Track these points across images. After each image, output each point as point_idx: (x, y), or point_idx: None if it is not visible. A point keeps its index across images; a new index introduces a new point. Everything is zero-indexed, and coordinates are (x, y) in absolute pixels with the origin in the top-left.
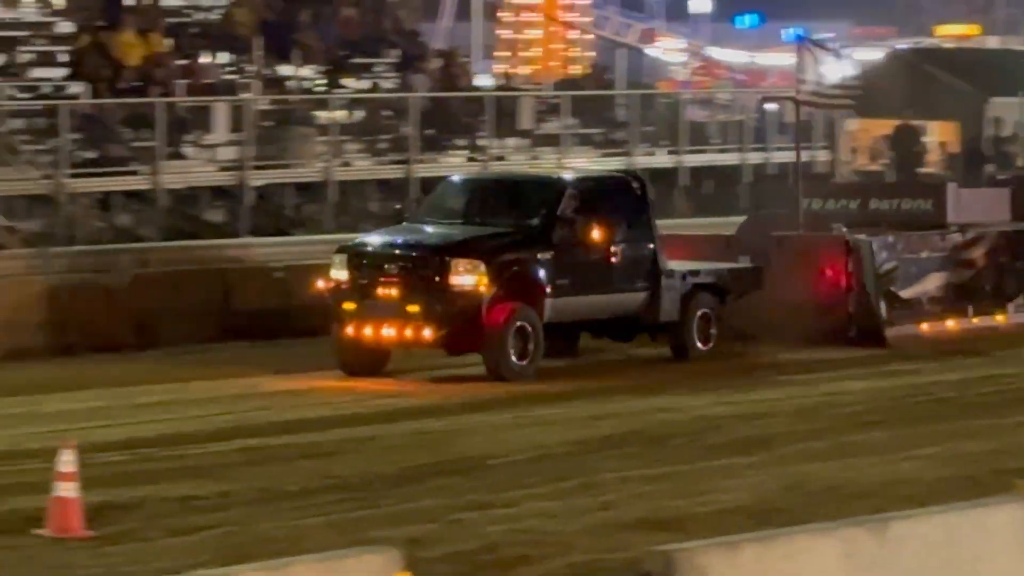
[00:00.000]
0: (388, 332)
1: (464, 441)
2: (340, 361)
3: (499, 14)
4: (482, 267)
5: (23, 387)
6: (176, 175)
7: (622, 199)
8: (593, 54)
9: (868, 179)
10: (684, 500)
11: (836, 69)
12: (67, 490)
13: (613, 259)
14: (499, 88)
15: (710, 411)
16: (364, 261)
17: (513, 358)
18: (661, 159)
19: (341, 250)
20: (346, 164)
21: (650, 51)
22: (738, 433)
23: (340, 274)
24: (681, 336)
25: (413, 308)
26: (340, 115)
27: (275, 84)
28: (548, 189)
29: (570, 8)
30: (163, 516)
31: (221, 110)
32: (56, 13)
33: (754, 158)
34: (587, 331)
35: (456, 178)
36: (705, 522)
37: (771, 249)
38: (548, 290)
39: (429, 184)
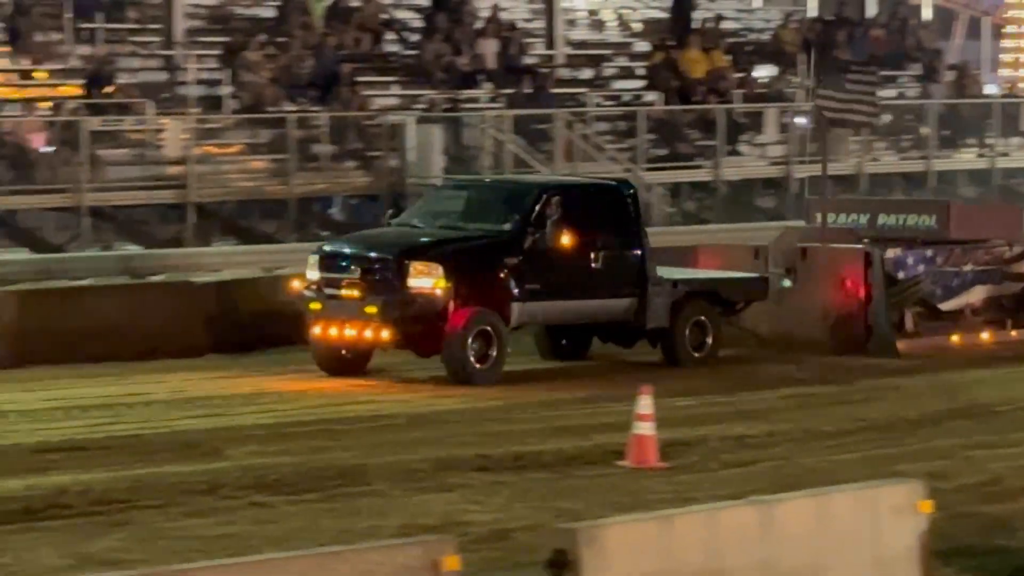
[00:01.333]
0: (350, 332)
1: (975, 391)
2: (315, 359)
3: (1004, 30)
4: (440, 270)
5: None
6: (733, 169)
7: (608, 206)
8: None
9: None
10: None
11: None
12: (645, 429)
13: (594, 265)
14: (1004, 95)
15: None
16: (331, 262)
17: (474, 361)
18: None
19: (316, 251)
20: (875, 159)
21: None
22: None
23: (312, 275)
24: (672, 343)
25: (371, 309)
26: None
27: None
28: (524, 195)
29: None
30: (722, 451)
31: (771, 115)
32: (634, 35)
33: None
34: (583, 336)
35: (443, 183)
36: None
37: (796, 260)
38: (515, 294)
39: (946, 176)
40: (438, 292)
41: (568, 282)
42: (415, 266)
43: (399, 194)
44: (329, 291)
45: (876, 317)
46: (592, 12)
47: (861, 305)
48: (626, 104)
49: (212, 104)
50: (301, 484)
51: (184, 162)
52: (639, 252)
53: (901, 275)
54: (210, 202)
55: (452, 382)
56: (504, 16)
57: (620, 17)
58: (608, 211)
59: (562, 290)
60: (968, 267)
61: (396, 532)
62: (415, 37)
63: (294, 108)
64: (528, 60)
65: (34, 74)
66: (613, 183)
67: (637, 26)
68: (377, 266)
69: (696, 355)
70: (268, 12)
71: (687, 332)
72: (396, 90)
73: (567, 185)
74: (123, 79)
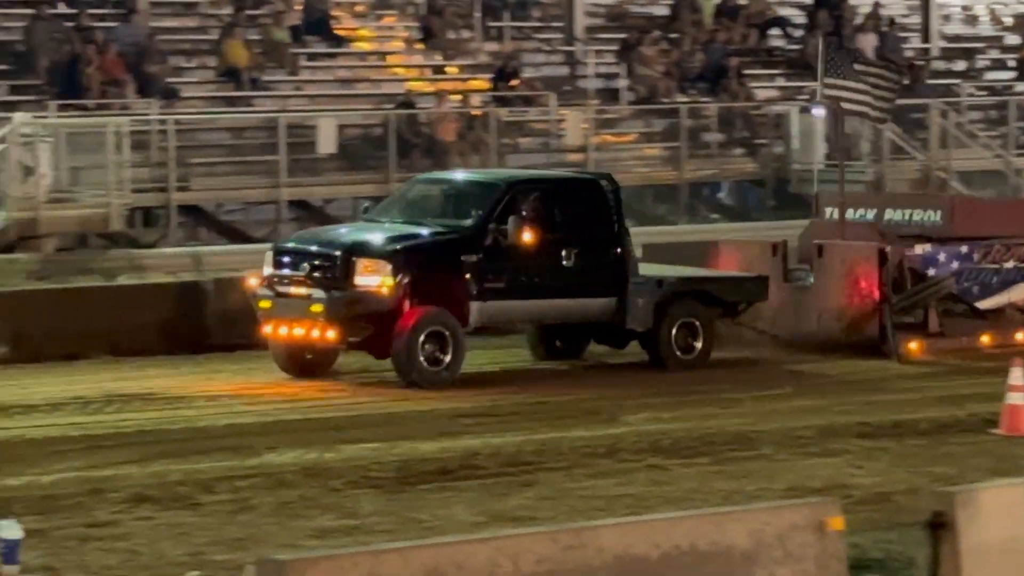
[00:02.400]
0: (298, 332)
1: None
2: (274, 359)
3: None
4: (387, 267)
5: None
6: None
7: (584, 202)
8: None
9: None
10: None
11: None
12: (1017, 399)
13: (566, 263)
14: None
15: None
16: (283, 259)
17: (424, 363)
18: None
19: (272, 248)
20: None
21: None
22: None
23: (267, 271)
24: (656, 344)
25: (316, 308)
26: None
27: None
28: (488, 191)
29: None
30: None
31: None
32: (1005, 28)
33: None
34: (577, 337)
35: (417, 177)
36: None
37: (812, 257)
38: (474, 293)
39: None
40: (385, 291)
41: (536, 281)
42: (362, 263)
43: (782, 179)
44: (279, 289)
45: (883, 318)
46: (966, 7)
47: (876, 305)
48: (998, 93)
49: (610, 96)
50: (694, 448)
51: (584, 150)
52: (619, 250)
53: (932, 272)
54: None
55: (404, 384)
56: (883, 12)
57: (992, 12)
58: (585, 207)
59: (528, 289)
60: (1011, 264)
61: (783, 494)
62: (798, 32)
63: (685, 99)
64: (905, 53)
65: (446, 69)
66: (592, 178)
67: (1008, 20)
68: (325, 263)
69: (684, 357)
70: (662, 10)
71: (673, 333)
72: (780, 82)
73: (538, 180)
74: (528, 73)
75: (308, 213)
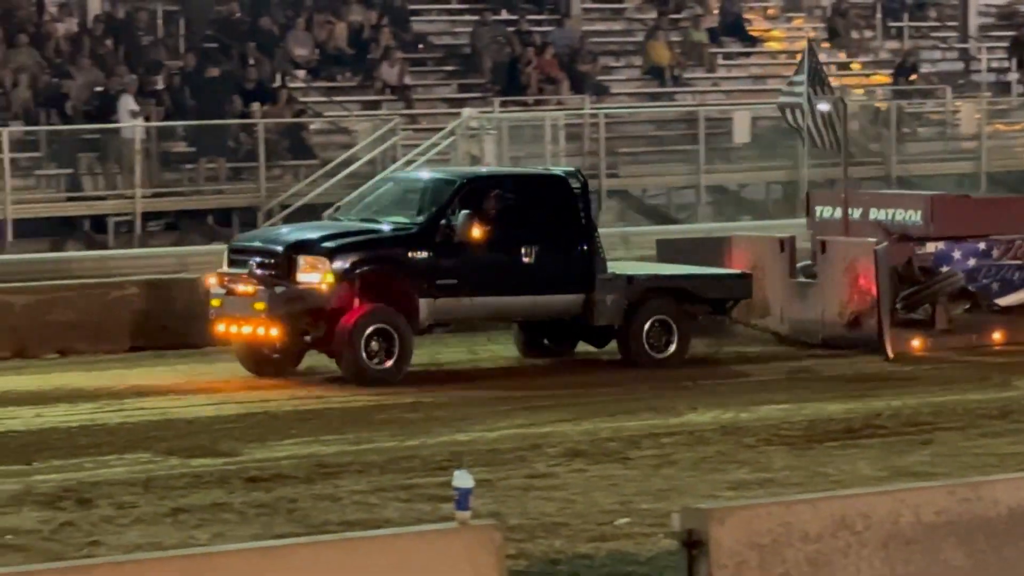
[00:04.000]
0: (245, 330)
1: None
2: (237, 358)
3: None
4: (327, 264)
5: None
6: None
7: (546, 198)
8: None
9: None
10: None
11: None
12: None
13: (526, 259)
14: None
15: None
16: (236, 257)
17: (367, 360)
18: None
19: (228, 246)
20: None
21: None
22: None
23: (223, 269)
24: (627, 342)
25: (259, 306)
26: None
27: None
28: (443, 188)
29: None
30: None
31: None
32: None
33: None
34: (564, 334)
35: (380, 177)
36: None
37: (816, 254)
38: (424, 290)
39: None
40: (324, 287)
41: (492, 277)
42: (304, 260)
43: None
44: (230, 287)
45: (879, 316)
46: None
47: (875, 302)
48: None
49: (1001, 89)
50: None
51: (977, 138)
52: (585, 246)
53: (945, 270)
54: (999, 171)
55: (351, 382)
56: None
57: None
58: (549, 203)
59: (484, 286)
60: None
61: None
62: None
63: None
64: None
65: (851, 66)
66: (558, 174)
67: None
68: (269, 260)
69: (656, 356)
70: None
71: (645, 331)
72: None
73: (497, 176)
74: (925, 69)
75: (725, 197)
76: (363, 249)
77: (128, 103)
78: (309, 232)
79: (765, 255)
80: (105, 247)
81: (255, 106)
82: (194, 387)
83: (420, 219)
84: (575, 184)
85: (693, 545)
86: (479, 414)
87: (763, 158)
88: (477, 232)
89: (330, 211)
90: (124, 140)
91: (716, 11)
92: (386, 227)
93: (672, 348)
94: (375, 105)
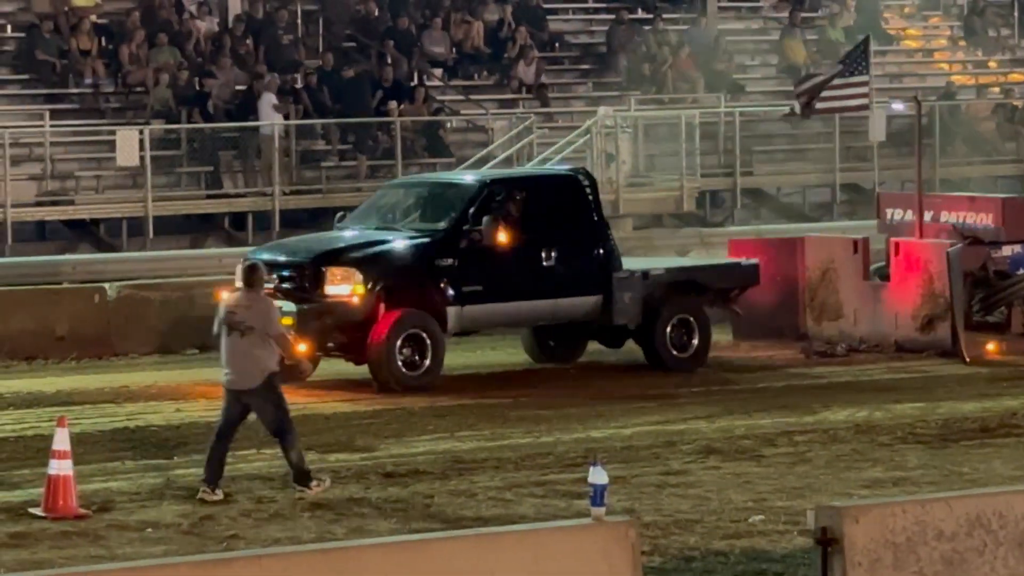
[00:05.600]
0: None
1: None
2: None
3: None
4: (358, 275)
5: None
6: None
7: (562, 199)
8: None
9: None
10: None
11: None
12: None
13: (546, 262)
14: None
15: None
16: None
17: (402, 368)
18: None
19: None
20: None
21: None
22: None
23: (238, 284)
24: (650, 342)
25: (287, 321)
26: None
27: None
28: (461, 193)
29: None
30: None
31: None
32: None
33: None
34: (565, 336)
35: (390, 183)
36: None
37: (890, 255)
38: (450, 298)
39: None
40: (355, 300)
41: (516, 282)
42: (332, 272)
43: None
44: None
45: (953, 319)
46: None
47: (948, 305)
48: None
49: None
50: None
51: None
52: (601, 245)
53: (1021, 272)
54: None
55: (380, 391)
56: None
57: None
58: (563, 203)
59: (509, 291)
60: None
61: None
62: None
63: None
64: None
65: (988, 64)
66: (569, 173)
67: None
68: (293, 273)
69: (680, 355)
70: None
71: (668, 330)
72: None
73: (512, 178)
74: None
75: (859, 195)
76: (391, 258)
77: (269, 101)
78: (332, 243)
79: (838, 256)
80: (244, 244)
81: (392, 105)
82: (331, 383)
83: (442, 225)
84: (585, 182)
85: (827, 543)
86: (613, 411)
87: (897, 156)
88: (502, 237)
89: (339, 219)
90: (263, 138)
91: (852, 9)
92: (407, 234)
93: (694, 346)
94: (511, 104)
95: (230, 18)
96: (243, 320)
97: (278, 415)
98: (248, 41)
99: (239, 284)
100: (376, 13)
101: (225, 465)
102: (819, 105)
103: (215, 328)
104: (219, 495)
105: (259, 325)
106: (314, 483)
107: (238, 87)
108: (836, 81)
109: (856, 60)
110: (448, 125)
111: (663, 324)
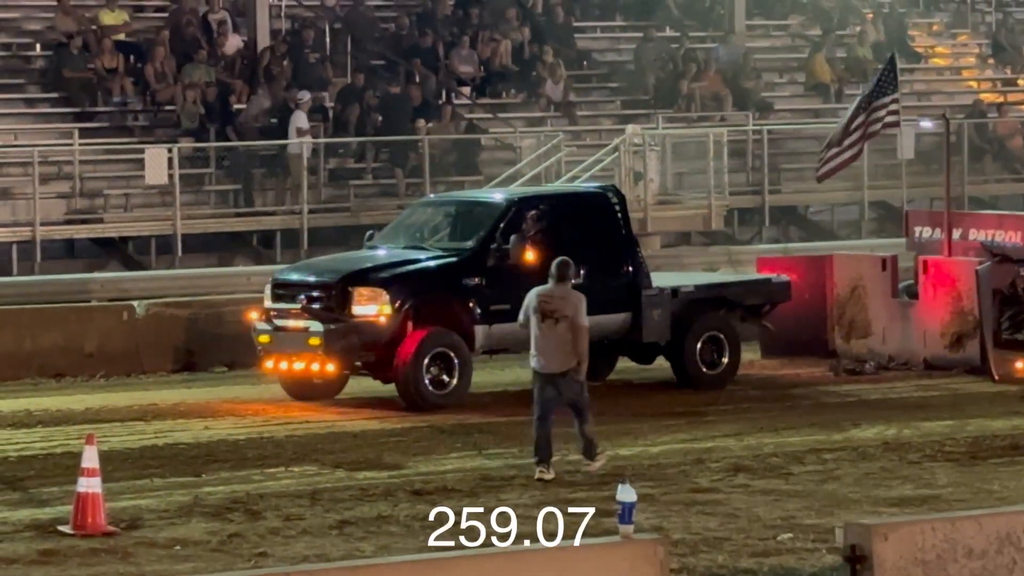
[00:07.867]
0: (297, 366)
1: None
2: (282, 386)
3: None
4: (385, 296)
5: None
6: None
7: (591, 217)
8: None
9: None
10: None
11: None
12: None
13: (575, 280)
14: None
15: None
16: (281, 291)
17: (429, 387)
18: None
19: (271, 280)
20: None
21: None
22: None
23: (267, 304)
24: (679, 359)
25: (315, 341)
26: None
27: None
28: (489, 211)
29: None
30: None
31: None
32: None
33: None
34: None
35: (418, 202)
36: None
37: (918, 273)
38: (478, 317)
39: None
40: (383, 319)
41: None
42: (359, 292)
43: None
44: (278, 322)
45: (982, 337)
46: None
47: (977, 323)
48: None
49: None
50: None
51: None
52: (630, 262)
53: None
54: None
55: (408, 409)
56: None
57: None
58: (592, 221)
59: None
60: None
61: None
62: None
63: None
64: None
65: (1017, 82)
66: (597, 190)
67: None
68: (320, 294)
69: (709, 373)
70: None
71: (698, 347)
72: None
73: (540, 196)
74: None
75: (887, 213)
76: (418, 278)
77: (299, 120)
78: (359, 263)
79: (867, 274)
80: (273, 262)
81: (420, 122)
82: (359, 401)
83: (470, 244)
84: (614, 200)
85: (856, 560)
86: (642, 429)
87: (927, 174)
88: (530, 255)
89: (368, 238)
90: (292, 156)
91: (880, 27)
92: (434, 253)
93: (724, 363)
94: (539, 122)
95: (258, 36)
96: (557, 309)
97: (582, 394)
98: (283, 61)
99: (268, 304)
100: (404, 32)
101: (552, 443)
102: (845, 155)
103: (520, 318)
104: (552, 474)
105: (571, 314)
106: (598, 456)
107: (267, 105)
108: (862, 109)
109: (885, 80)
110: (478, 143)
111: (692, 341)
